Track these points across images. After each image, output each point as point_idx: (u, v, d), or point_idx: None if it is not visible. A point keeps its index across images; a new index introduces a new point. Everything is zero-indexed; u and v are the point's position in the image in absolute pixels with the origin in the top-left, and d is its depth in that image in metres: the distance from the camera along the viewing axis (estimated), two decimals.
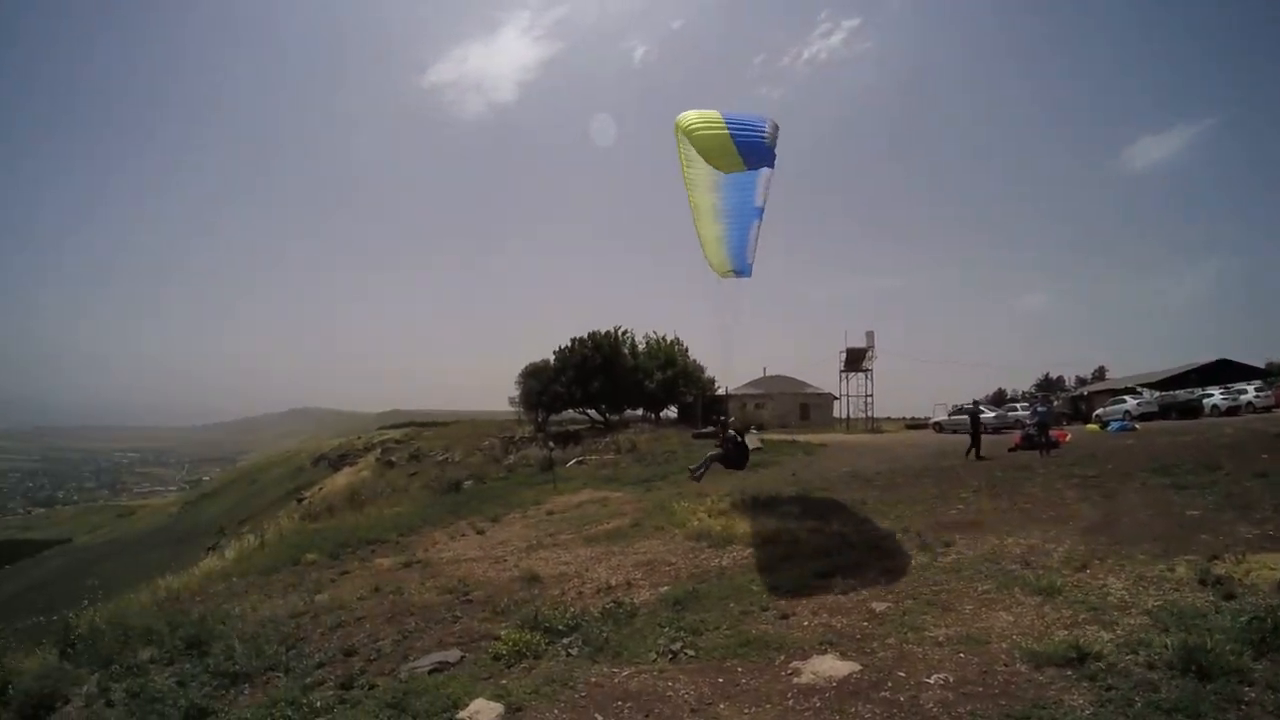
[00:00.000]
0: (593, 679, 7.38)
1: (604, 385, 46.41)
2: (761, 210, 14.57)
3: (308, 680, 8.95)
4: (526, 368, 50.81)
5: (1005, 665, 6.62)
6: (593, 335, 48.37)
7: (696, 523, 15.13)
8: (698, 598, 10.13)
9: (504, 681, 7.65)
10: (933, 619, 8.08)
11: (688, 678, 7.15)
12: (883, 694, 6.29)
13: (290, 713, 7.37)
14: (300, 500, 47.82)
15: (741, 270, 16.24)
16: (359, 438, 78.23)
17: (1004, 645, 7.08)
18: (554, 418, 51.82)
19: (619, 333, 49.10)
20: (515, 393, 51.94)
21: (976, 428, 24.74)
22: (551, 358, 49.30)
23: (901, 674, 6.63)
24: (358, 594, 13.13)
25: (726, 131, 12.49)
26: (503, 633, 9.39)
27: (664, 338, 50.50)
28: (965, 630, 7.58)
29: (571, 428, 49.27)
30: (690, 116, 12.88)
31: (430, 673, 8.40)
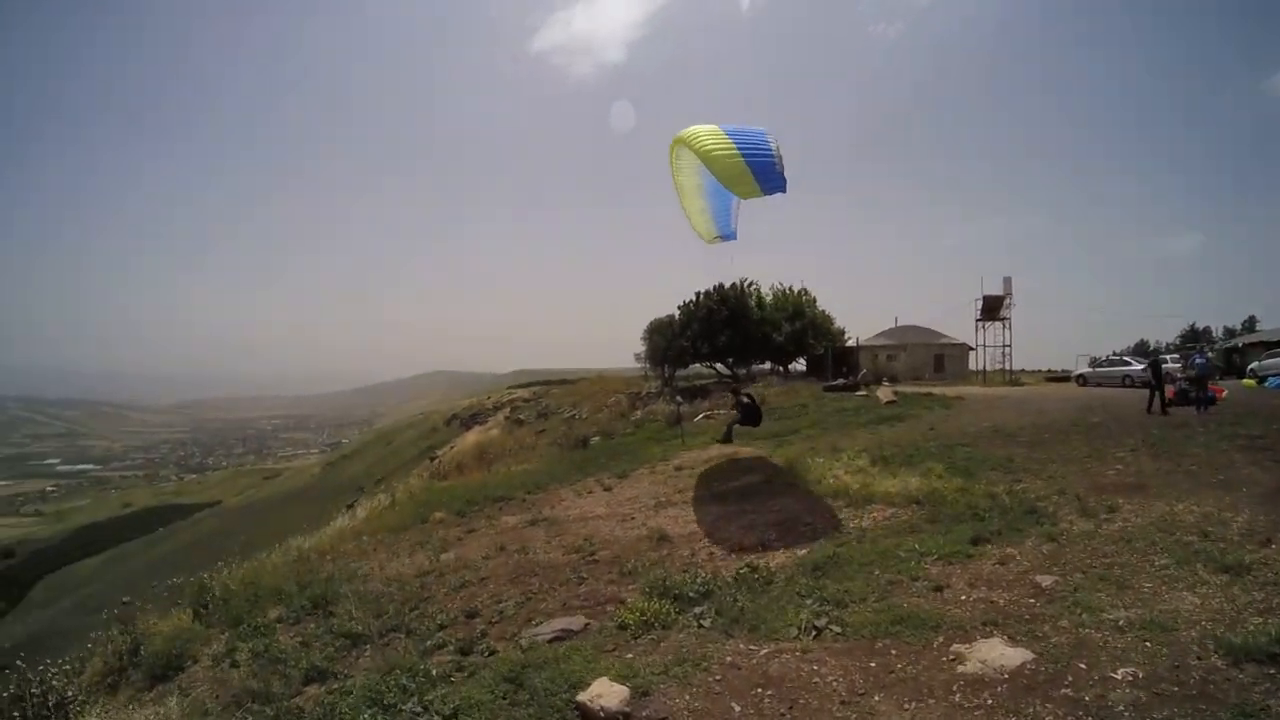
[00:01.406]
0: (728, 658, 6.72)
1: (731, 338, 45.34)
2: None
3: (428, 643, 8.75)
4: (652, 323, 50.38)
5: (1199, 659, 5.72)
6: (718, 288, 47.02)
7: (832, 480, 14.34)
8: (838, 563, 9.39)
9: (629, 656, 7.12)
10: (1108, 598, 7.14)
11: (835, 660, 6.42)
12: (1063, 691, 5.45)
13: (406, 681, 7.06)
14: (432, 459, 49.05)
15: (727, 235, 17.84)
16: (489, 397, 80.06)
17: (1194, 634, 6.17)
18: (681, 372, 51.33)
19: (745, 285, 47.72)
20: (641, 349, 51.77)
21: (1159, 378, 23.02)
22: (676, 313, 48.63)
23: (1082, 666, 5.77)
24: (483, 553, 12.94)
25: (739, 156, 13.24)
26: (629, 600, 8.91)
27: (791, 288, 49.20)
28: (1148, 613, 6.63)
29: (698, 382, 48.59)
30: (702, 138, 13.64)
31: (551, 641, 7.99)
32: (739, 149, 13.21)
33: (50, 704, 9.57)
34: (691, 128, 13.97)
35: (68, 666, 10.88)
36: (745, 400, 20.92)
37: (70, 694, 9.77)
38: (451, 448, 50.06)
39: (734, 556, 10.64)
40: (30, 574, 57.95)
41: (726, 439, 21.10)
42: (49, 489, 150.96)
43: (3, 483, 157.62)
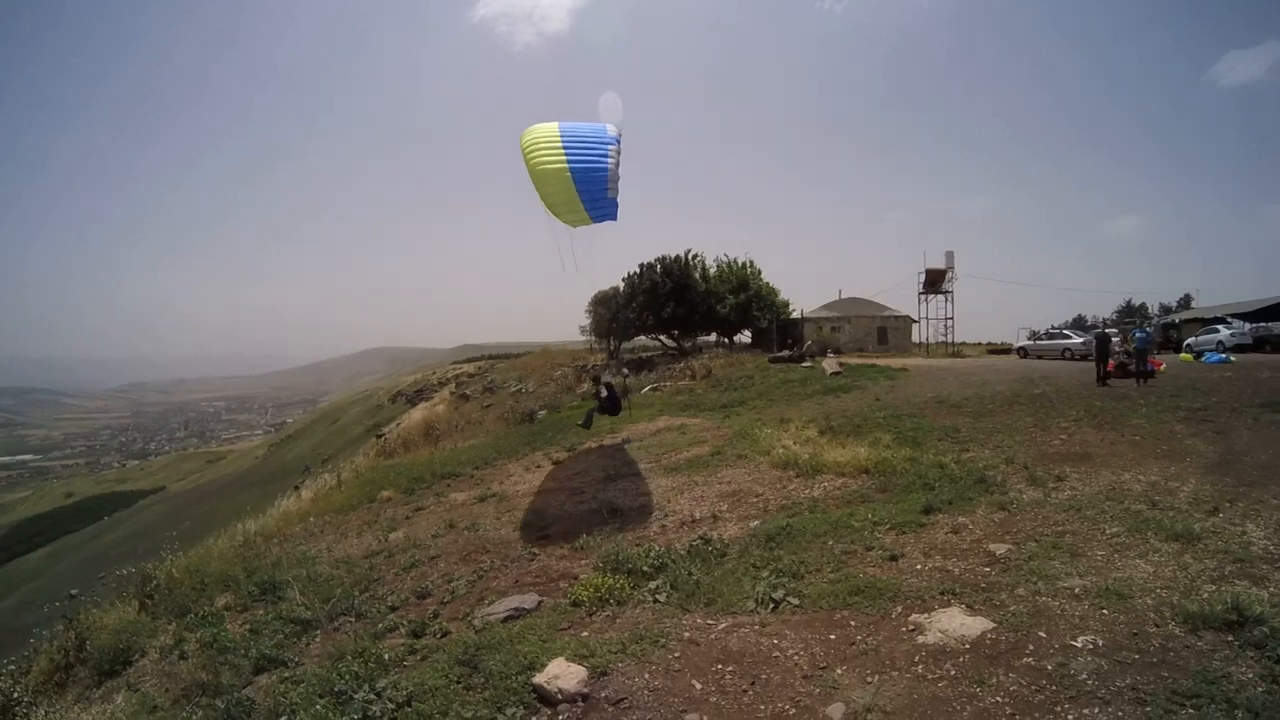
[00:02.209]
0: (686, 634, 6.63)
1: (676, 310, 45.07)
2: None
3: (379, 626, 8.54)
4: (596, 295, 49.88)
5: (1156, 626, 5.76)
6: (662, 260, 46.85)
7: (782, 450, 14.36)
8: (791, 534, 9.34)
9: (585, 634, 7.00)
10: (1063, 566, 7.18)
11: (794, 633, 6.36)
12: (1025, 660, 5.45)
13: (358, 667, 6.87)
14: (379, 436, 48.31)
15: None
16: (434, 372, 79.09)
17: (1149, 601, 6.22)
18: (626, 345, 51.10)
19: (689, 256, 47.48)
20: (586, 321, 51.41)
21: (1105, 352, 23.43)
22: (621, 284, 48.33)
23: (1042, 634, 5.78)
24: (433, 531, 12.78)
25: (568, 174, 12.23)
26: (583, 576, 8.79)
27: (735, 260, 49.04)
28: (1102, 581, 6.68)
29: (644, 354, 48.53)
30: (538, 147, 12.61)
31: (505, 620, 7.82)
32: (569, 163, 12.36)
33: None
34: (532, 130, 13.09)
35: (13, 666, 10.62)
36: (605, 392, 20.94)
37: (16, 695, 9.41)
38: (398, 425, 49.36)
39: (686, 529, 10.56)
40: None
41: (587, 424, 21.08)
42: None
43: None
